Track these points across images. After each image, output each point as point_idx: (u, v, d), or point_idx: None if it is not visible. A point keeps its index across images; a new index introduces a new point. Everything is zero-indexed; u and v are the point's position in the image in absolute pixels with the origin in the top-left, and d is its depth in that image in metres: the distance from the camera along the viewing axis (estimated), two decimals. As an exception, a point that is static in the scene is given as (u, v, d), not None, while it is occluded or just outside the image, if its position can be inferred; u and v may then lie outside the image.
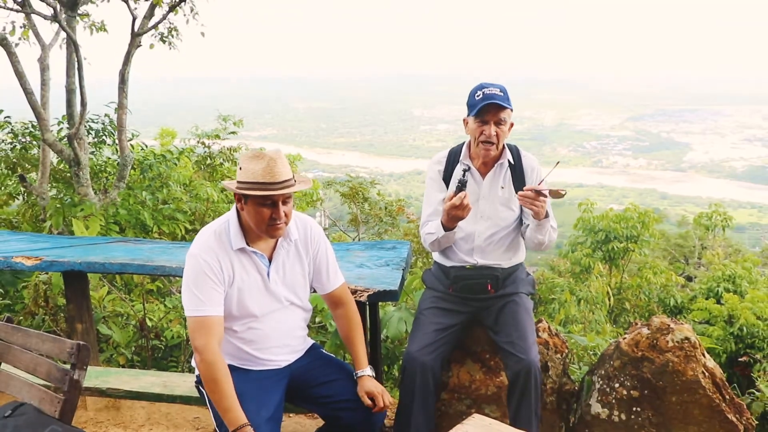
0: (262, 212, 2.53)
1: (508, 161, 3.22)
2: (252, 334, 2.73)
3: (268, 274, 2.71)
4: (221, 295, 2.60)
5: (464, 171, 3.01)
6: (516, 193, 3.15)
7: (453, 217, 2.99)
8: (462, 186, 2.95)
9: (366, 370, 2.85)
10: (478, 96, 3.07)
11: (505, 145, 3.22)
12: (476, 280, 3.24)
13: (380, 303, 3.86)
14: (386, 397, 2.77)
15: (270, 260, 2.72)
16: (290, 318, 2.82)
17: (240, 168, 2.55)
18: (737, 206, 68.35)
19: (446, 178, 3.28)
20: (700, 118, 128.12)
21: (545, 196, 2.94)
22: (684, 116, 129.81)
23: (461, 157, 3.24)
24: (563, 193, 2.95)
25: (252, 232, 2.65)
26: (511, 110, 3.10)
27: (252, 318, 2.71)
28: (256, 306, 2.69)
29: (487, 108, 3.04)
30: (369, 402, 2.74)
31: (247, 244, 2.66)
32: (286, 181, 2.53)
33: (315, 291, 2.99)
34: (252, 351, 2.75)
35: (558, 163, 3.19)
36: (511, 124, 3.16)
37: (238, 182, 2.55)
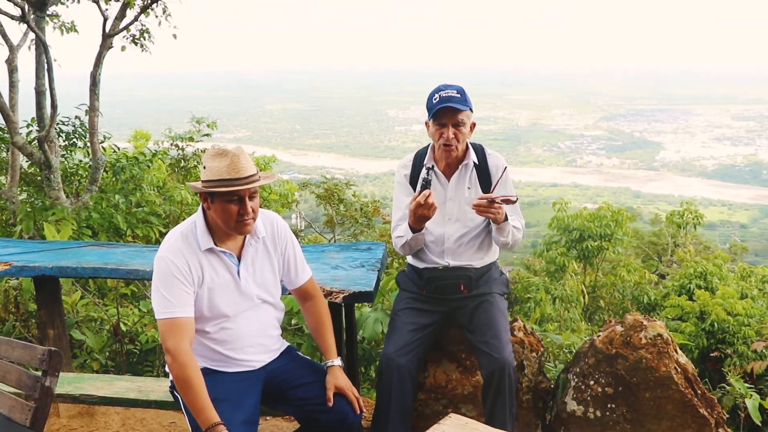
0: (230, 209, 2.54)
1: (473, 162, 3.24)
2: (225, 334, 2.72)
3: (238, 273, 2.70)
4: (191, 296, 2.59)
5: (427, 170, 3.05)
6: (483, 192, 3.19)
7: (419, 217, 3.02)
8: (426, 185, 2.98)
9: (336, 360, 2.85)
10: (435, 99, 3.10)
11: (470, 146, 3.25)
12: (449, 281, 3.26)
13: (356, 304, 3.86)
14: (355, 392, 2.79)
15: (239, 259, 2.72)
16: (263, 316, 2.81)
17: (204, 167, 2.56)
18: (708, 204, 69.43)
19: (413, 182, 3.29)
20: (672, 117, 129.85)
21: (498, 204, 2.98)
22: (656, 116, 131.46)
23: (425, 160, 3.27)
24: (514, 199, 3.05)
25: (219, 231, 2.65)
26: (471, 111, 3.13)
27: (224, 318, 2.69)
28: (228, 306, 2.68)
29: (444, 111, 3.07)
30: (331, 398, 2.73)
31: (215, 244, 2.65)
32: (251, 176, 2.54)
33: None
34: (226, 351, 2.73)
35: (506, 168, 3.22)
36: (473, 125, 3.20)
37: (204, 181, 2.55)
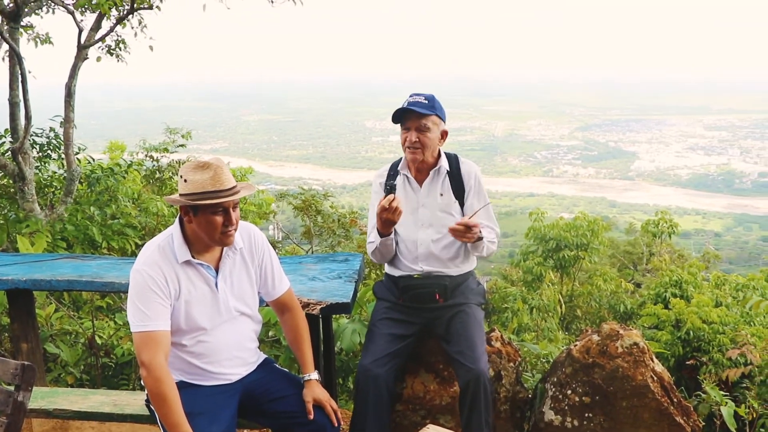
0: (214, 221, 2.55)
1: (446, 168, 3.29)
2: (202, 347, 2.70)
3: (216, 285, 2.69)
4: (167, 309, 2.58)
5: (389, 175, 3.21)
6: (455, 199, 3.27)
7: (385, 221, 3.08)
8: (390, 189, 3.06)
9: (313, 374, 2.86)
10: (403, 105, 3.18)
11: (443, 153, 3.31)
12: (424, 289, 3.28)
13: (333, 315, 3.85)
14: (333, 405, 2.80)
15: (217, 271, 2.71)
16: (240, 329, 2.80)
17: (185, 180, 2.54)
18: (683, 213, 70.21)
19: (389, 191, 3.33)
20: (646, 127, 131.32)
21: (475, 227, 3.06)
22: (630, 126, 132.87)
23: (399, 167, 3.34)
24: (496, 230, 3.17)
25: (197, 244, 2.64)
26: (439, 117, 3.19)
27: (201, 331, 2.68)
28: (205, 318, 2.67)
29: (407, 115, 3.16)
30: (311, 411, 2.74)
31: (193, 256, 2.64)
32: (233, 187, 2.57)
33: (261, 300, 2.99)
34: (202, 365, 2.71)
35: (488, 204, 3.30)
36: (444, 132, 3.26)
37: (185, 195, 2.54)
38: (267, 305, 3.04)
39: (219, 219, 2.55)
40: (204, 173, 2.52)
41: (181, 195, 2.56)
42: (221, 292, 2.70)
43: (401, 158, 3.38)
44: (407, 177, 3.32)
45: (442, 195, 3.29)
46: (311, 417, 2.73)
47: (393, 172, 3.36)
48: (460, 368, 3.11)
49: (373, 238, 3.27)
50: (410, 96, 3.21)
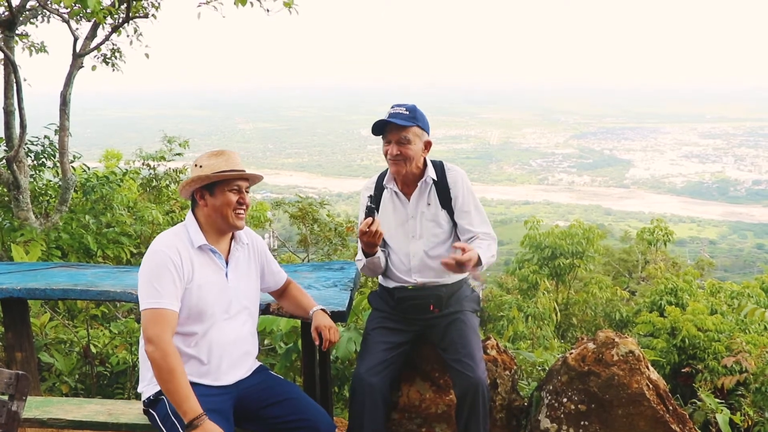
0: (230, 199, 2.71)
1: (432, 178, 3.26)
2: (205, 341, 2.73)
3: (226, 275, 2.79)
4: (180, 291, 2.63)
5: (369, 197, 3.17)
6: (442, 208, 3.25)
7: (366, 243, 3.08)
8: (370, 212, 3.01)
9: (317, 307, 3.08)
10: (384, 116, 3.16)
11: (429, 163, 3.28)
12: (419, 300, 3.28)
13: (330, 324, 3.84)
14: (333, 333, 2.96)
15: (227, 262, 2.82)
16: (242, 328, 2.85)
17: (200, 167, 2.71)
18: (678, 221, 70.45)
19: (377, 204, 3.32)
20: (641, 135, 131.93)
21: (468, 262, 2.95)
22: (625, 134, 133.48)
23: (385, 181, 3.31)
24: (481, 281, 3.21)
25: (210, 232, 2.77)
26: (421, 128, 3.15)
27: (209, 321, 2.72)
28: (215, 306, 2.73)
29: (388, 127, 3.14)
30: (317, 338, 2.95)
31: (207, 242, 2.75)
32: (244, 170, 2.77)
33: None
34: (204, 358, 2.73)
35: (484, 285, 3.25)
36: (428, 143, 3.21)
37: (200, 178, 2.69)
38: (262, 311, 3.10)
39: (234, 197, 2.71)
40: (218, 158, 2.72)
41: (199, 178, 2.70)
42: (231, 281, 2.79)
43: (387, 169, 3.35)
44: (395, 192, 3.29)
45: (429, 205, 3.27)
46: (317, 343, 2.96)
47: (380, 185, 3.34)
48: (458, 376, 3.10)
49: (360, 257, 3.26)
50: (392, 107, 3.17)
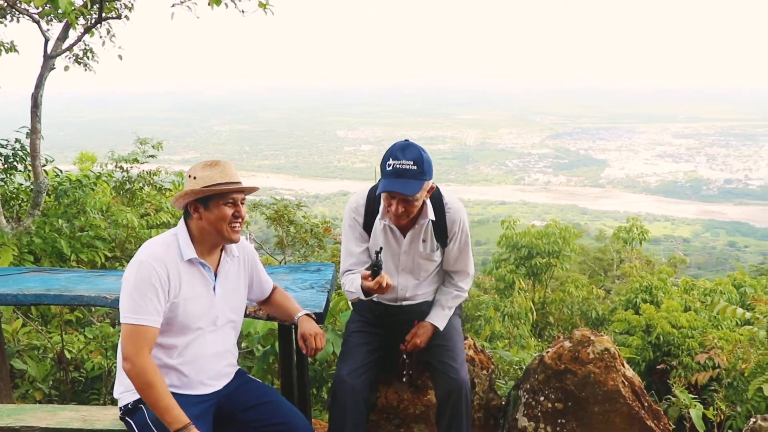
0: (225, 213, 2.64)
1: (431, 219, 3.09)
2: (188, 352, 2.71)
3: (214, 289, 2.74)
4: (162, 307, 2.58)
5: (376, 253, 2.86)
6: (438, 245, 3.16)
7: (373, 293, 2.92)
8: (378, 270, 2.82)
9: (301, 312, 3.02)
10: (388, 167, 2.86)
11: (427, 202, 3.06)
12: (404, 316, 3.26)
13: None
14: (319, 340, 2.91)
15: (215, 275, 2.77)
16: (225, 339, 2.83)
17: (194, 178, 2.63)
18: (652, 219, 71.14)
19: (367, 228, 3.17)
20: (615, 135, 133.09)
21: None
22: (600, 134, 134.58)
23: (380, 215, 3.10)
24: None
25: (202, 244, 2.70)
26: (429, 180, 2.92)
27: (193, 333, 2.69)
28: (200, 319, 2.69)
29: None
30: (303, 347, 2.90)
31: (197, 256, 2.69)
32: (240, 182, 2.69)
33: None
34: (185, 371, 2.71)
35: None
36: (432, 188, 3.01)
37: (195, 192, 2.61)
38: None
39: (229, 210, 2.64)
40: (213, 169, 2.63)
41: (192, 191, 2.63)
42: (218, 296, 2.75)
43: (374, 189, 3.12)
44: (390, 227, 3.11)
45: (424, 242, 3.14)
46: (303, 352, 2.91)
47: (370, 211, 3.15)
48: (441, 377, 3.10)
49: (354, 289, 3.07)
50: (396, 156, 2.84)
